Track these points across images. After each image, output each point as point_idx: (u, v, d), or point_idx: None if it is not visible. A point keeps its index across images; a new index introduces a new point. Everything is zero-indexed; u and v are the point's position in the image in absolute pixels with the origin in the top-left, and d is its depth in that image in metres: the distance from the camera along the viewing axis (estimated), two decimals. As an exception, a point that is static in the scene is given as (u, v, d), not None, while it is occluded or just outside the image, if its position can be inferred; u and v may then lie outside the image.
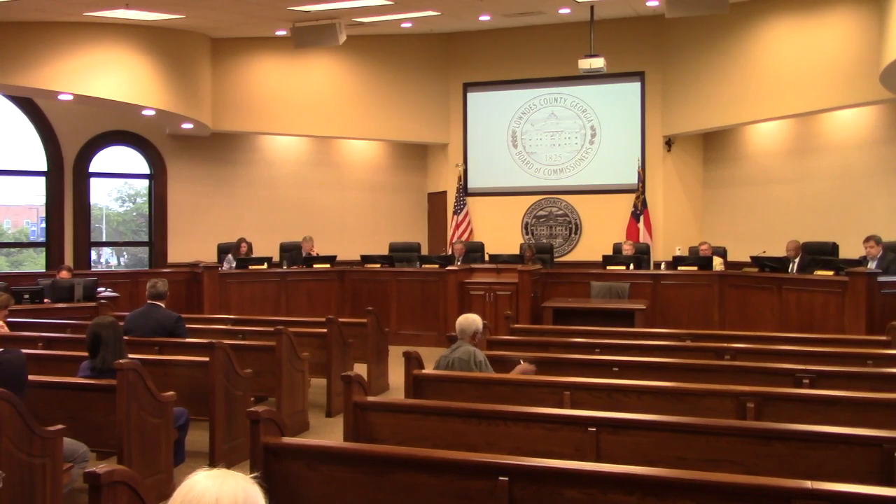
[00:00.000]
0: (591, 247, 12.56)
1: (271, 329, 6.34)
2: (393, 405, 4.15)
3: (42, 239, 12.05)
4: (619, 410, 3.93)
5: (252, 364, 5.96)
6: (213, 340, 5.48)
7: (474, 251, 11.80)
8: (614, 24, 12.20)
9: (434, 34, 13.26)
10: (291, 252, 11.58)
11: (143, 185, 12.85)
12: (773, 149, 11.82)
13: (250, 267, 10.75)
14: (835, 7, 9.97)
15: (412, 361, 4.74)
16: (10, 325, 6.85)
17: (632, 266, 10.49)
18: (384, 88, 13.19)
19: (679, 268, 10.26)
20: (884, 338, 6.17)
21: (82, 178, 12.00)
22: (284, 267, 11.16)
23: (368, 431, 3.91)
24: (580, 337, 6.48)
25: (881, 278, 7.71)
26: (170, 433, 4.81)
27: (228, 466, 1.64)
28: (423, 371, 4.77)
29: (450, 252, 12.11)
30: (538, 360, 5.40)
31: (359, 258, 11.44)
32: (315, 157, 13.65)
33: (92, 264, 12.20)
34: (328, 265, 11.20)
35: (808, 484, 2.59)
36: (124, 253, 13.56)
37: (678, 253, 11.02)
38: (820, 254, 9.04)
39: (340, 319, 7.49)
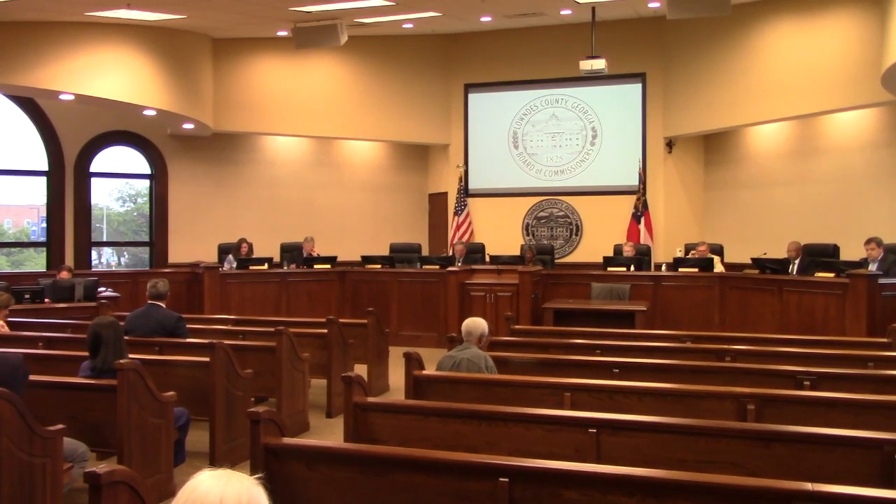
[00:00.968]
0: (591, 248, 12.56)
1: (272, 329, 6.34)
2: (393, 406, 4.15)
3: (43, 239, 12.06)
4: (619, 412, 3.93)
5: (252, 364, 5.96)
6: (214, 341, 5.48)
7: (475, 252, 11.80)
8: (616, 25, 12.20)
9: (435, 35, 13.26)
10: (292, 252, 11.58)
11: (144, 185, 12.86)
12: (774, 150, 11.82)
13: (251, 267, 10.76)
14: (836, 9, 9.97)
15: (413, 362, 4.74)
16: (11, 325, 6.85)
17: (632, 267, 10.49)
18: (385, 89, 13.20)
19: (680, 269, 10.26)
20: (884, 340, 6.16)
21: (83, 178, 12.01)
22: (285, 267, 11.16)
23: (369, 432, 3.91)
24: (580, 338, 6.48)
25: (882, 280, 7.70)
26: (170, 433, 4.81)
27: (229, 467, 1.64)
28: (424, 372, 4.77)
29: (450, 253, 12.11)
30: (539, 362, 5.40)
31: (359, 259, 11.45)
32: (316, 158, 13.66)
33: (92, 264, 12.20)
34: (329, 266, 11.20)
35: (809, 486, 2.59)
36: (125, 253, 13.56)
37: (679, 254, 11.02)
38: (821, 256, 9.04)
39: (341, 320, 7.49)
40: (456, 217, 13.28)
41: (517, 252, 11.63)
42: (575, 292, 10.23)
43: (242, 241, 11.30)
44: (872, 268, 8.09)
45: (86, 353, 4.94)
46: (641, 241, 12.03)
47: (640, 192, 12.41)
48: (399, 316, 10.61)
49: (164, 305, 6.30)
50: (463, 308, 9.91)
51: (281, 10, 9.91)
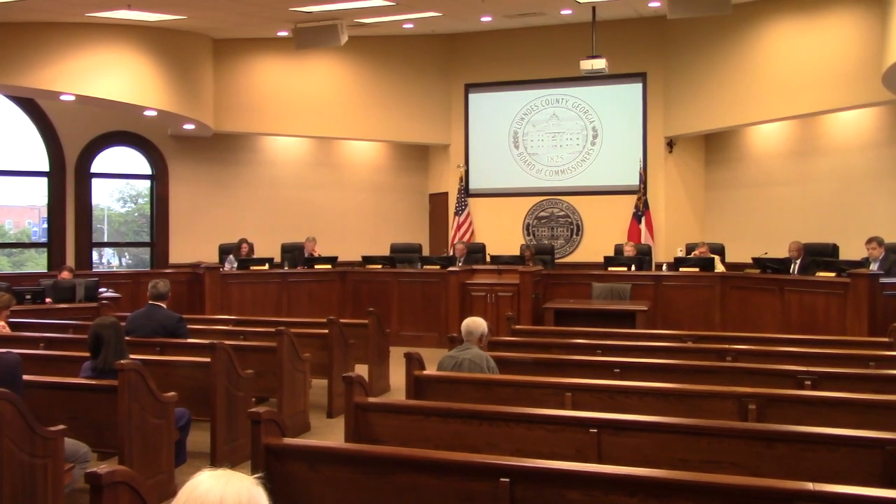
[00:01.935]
0: (592, 248, 12.56)
1: (272, 330, 6.34)
2: (394, 406, 4.15)
3: (44, 239, 12.07)
4: (620, 412, 3.93)
5: (253, 365, 5.95)
6: (215, 341, 5.48)
7: (475, 252, 11.80)
8: (616, 24, 12.20)
9: (435, 35, 13.26)
10: (293, 252, 11.58)
11: (145, 185, 12.86)
12: (774, 150, 11.81)
13: (251, 268, 10.76)
14: (837, 8, 9.97)
15: (413, 362, 4.74)
16: (12, 326, 6.85)
17: (633, 267, 10.49)
18: (386, 89, 13.20)
19: (680, 269, 10.25)
20: (886, 339, 6.16)
21: (84, 179, 12.01)
22: (286, 268, 11.16)
23: (370, 432, 3.91)
24: (581, 338, 6.48)
25: (883, 280, 7.70)
26: (171, 434, 4.81)
27: (230, 467, 1.65)
28: (425, 372, 4.77)
29: (451, 253, 12.11)
30: (539, 362, 5.40)
31: (360, 259, 11.44)
32: (316, 158, 13.66)
33: (94, 265, 12.21)
34: (329, 266, 11.20)
35: (810, 486, 2.59)
36: (126, 253, 13.57)
37: (680, 254, 11.02)
38: (821, 255, 9.03)
39: (341, 320, 7.49)
40: (456, 217, 13.28)
41: (518, 252, 11.63)
42: (576, 292, 10.23)
43: (243, 241, 11.30)
44: (873, 267, 8.09)
45: (87, 354, 4.94)
46: (642, 241, 12.03)
47: (640, 191, 12.41)
48: (400, 316, 10.61)
49: (164, 306, 6.30)
50: (464, 308, 9.90)
51: (281, 10, 9.91)
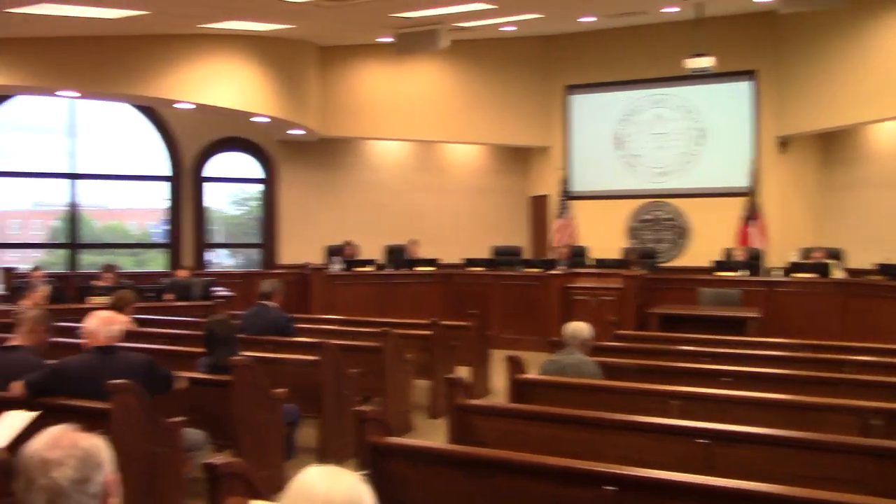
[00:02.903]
0: (700, 252, 12.12)
1: (377, 330, 6.46)
2: (496, 409, 4.16)
3: (164, 240, 12.79)
4: (730, 422, 3.78)
5: (358, 364, 6.07)
6: (322, 340, 5.64)
7: (577, 255, 11.64)
8: (721, 21, 11.74)
9: (534, 37, 13.19)
10: (396, 254, 11.78)
11: (257, 189, 13.39)
12: (899, 148, 11.08)
13: (356, 269, 11.00)
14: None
15: (515, 365, 4.72)
16: (137, 322, 7.25)
17: (743, 272, 10.07)
18: (485, 92, 13.23)
19: (793, 275, 9.76)
20: None
21: (199, 183, 12.65)
22: (391, 269, 11.33)
23: (471, 434, 3.93)
24: (688, 345, 6.27)
25: None
26: (281, 429, 4.98)
27: (337, 463, 1.70)
28: (527, 375, 4.74)
29: (552, 256, 12.00)
30: (644, 368, 5.27)
31: (461, 261, 11.51)
32: (418, 162, 13.85)
33: (208, 265, 12.82)
34: (431, 268, 11.32)
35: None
36: (238, 254, 14.17)
37: (794, 259, 10.49)
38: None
39: (443, 322, 7.55)
40: (557, 220, 13.15)
41: (621, 255, 11.40)
42: (682, 297, 9.90)
43: (347, 243, 11.58)
44: None
45: (202, 350, 5.19)
46: (753, 245, 11.52)
47: (751, 193, 11.90)
48: (500, 319, 10.59)
49: (274, 304, 6.54)
50: (565, 312, 9.77)
51: (382, 17, 10.10)
